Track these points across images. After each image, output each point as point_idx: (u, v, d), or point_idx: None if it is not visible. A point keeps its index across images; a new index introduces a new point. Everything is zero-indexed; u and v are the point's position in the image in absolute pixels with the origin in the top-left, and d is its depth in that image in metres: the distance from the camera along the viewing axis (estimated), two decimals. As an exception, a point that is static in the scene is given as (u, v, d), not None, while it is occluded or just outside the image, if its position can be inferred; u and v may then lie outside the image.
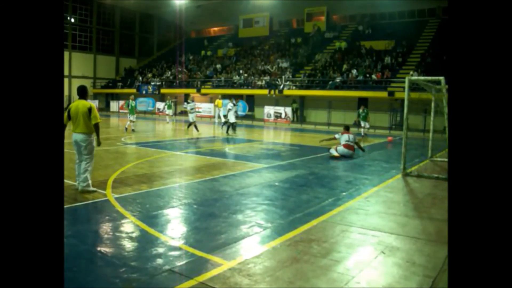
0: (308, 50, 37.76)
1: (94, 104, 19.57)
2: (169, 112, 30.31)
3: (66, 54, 42.94)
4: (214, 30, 52.53)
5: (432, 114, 13.55)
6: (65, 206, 6.50)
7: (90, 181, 7.80)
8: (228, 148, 15.08)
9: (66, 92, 40.12)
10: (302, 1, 39.30)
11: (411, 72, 27.03)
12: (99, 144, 8.23)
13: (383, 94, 28.18)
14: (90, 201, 7.17)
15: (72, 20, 45.00)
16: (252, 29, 46.06)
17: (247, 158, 12.80)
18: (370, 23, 38.34)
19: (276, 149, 15.81)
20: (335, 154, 13.32)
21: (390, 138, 21.51)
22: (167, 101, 31.17)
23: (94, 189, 7.84)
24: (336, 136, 13.91)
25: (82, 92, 7.92)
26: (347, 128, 14.12)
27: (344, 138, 13.66)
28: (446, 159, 10.87)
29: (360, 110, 23.04)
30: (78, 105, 7.69)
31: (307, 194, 8.20)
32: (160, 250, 5.02)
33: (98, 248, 5.03)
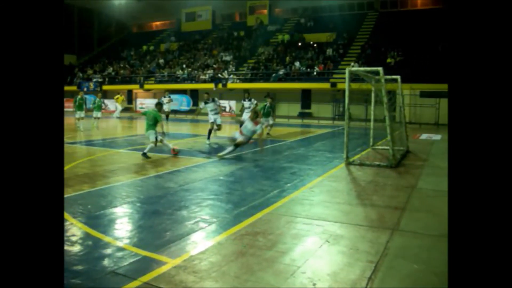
0: (251, 43, 37.83)
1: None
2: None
3: None
4: (156, 24, 51.59)
5: (372, 104, 13.91)
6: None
7: None
8: (172, 144, 14.89)
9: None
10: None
11: (352, 64, 27.75)
12: None
13: (326, 85, 28.68)
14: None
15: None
16: (194, 22, 45.61)
17: (191, 153, 12.71)
18: (311, 16, 38.87)
19: (220, 143, 15.77)
20: (240, 138, 11.69)
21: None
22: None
23: None
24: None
25: None
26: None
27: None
28: (387, 147, 11.20)
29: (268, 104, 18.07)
30: None
31: (252, 187, 8.23)
32: (103, 251, 4.89)
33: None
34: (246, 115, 16.22)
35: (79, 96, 20.79)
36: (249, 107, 17.57)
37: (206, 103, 15.85)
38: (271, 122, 18.12)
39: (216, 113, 15.66)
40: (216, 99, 16.24)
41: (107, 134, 19.25)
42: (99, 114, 21.55)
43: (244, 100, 18.39)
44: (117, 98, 31.64)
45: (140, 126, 22.07)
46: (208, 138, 15.57)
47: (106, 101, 33.99)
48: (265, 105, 17.89)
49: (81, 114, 20.30)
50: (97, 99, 22.23)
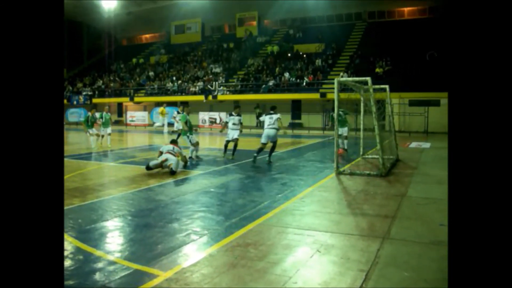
0: (240, 54, 38.02)
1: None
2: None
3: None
4: (146, 37, 51.74)
5: (362, 113, 14.01)
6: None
7: None
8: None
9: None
10: (233, 6, 39.58)
11: (341, 74, 27.97)
12: None
13: (316, 95, 28.85)
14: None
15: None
16: (184, 35, 45.83)
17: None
18: (300, 27, 39.23)
19: (211, 154, 15.79)
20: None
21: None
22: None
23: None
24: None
25: None
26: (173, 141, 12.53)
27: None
28: (376, 156, 11.28)
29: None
30: None
31: (243, 198, 8.24)
32: (95, 266, 4.86)
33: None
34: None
35: (90, 114, 18.37)
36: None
37: (231, 114, 14.52)
38: (345, 133, 14.99)
39: (236, 128, 14.25)
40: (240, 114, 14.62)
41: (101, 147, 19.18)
42: (108, 130, 18.62)
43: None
44: (162, 111, 28.55)
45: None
46: (225, 152, 14.58)
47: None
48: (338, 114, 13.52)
49: (93, 131, 17.94)
50: (104, 113, 18.86)
